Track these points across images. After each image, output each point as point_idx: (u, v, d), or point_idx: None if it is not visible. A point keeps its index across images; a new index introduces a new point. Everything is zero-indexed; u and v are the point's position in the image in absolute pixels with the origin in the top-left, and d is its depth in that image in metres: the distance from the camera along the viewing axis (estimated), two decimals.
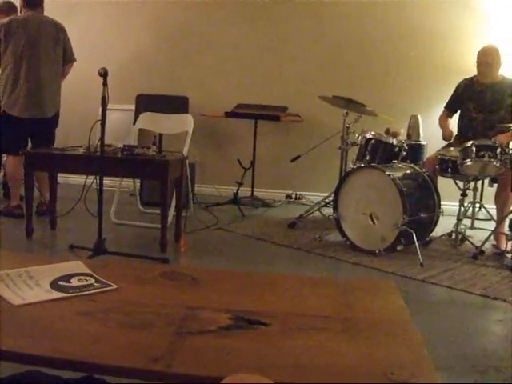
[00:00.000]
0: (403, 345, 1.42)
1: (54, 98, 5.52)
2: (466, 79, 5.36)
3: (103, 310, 1.56)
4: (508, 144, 4.84)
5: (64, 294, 1.64)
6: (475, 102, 5.18)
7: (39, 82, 5.35)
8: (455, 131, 5.43)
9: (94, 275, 1.80)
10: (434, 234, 4.96)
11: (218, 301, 1.67)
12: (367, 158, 5.09)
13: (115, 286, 1.72)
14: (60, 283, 1.72)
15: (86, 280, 1.77)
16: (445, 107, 5.54)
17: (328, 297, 1.75)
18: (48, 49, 5.38)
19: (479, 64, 5.17)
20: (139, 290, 1.75)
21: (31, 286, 1.67)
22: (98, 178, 4.11)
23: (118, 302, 1.62)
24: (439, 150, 5.07)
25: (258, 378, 1.00)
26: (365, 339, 1.45)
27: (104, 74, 3.90)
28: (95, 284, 1.74)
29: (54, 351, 1.33)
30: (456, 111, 5.45)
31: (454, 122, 5.51)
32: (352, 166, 5.17)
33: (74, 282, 1.75)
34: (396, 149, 5.11)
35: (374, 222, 4.67)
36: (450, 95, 5.52)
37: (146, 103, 6.61)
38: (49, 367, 1.38)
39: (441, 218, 4.84)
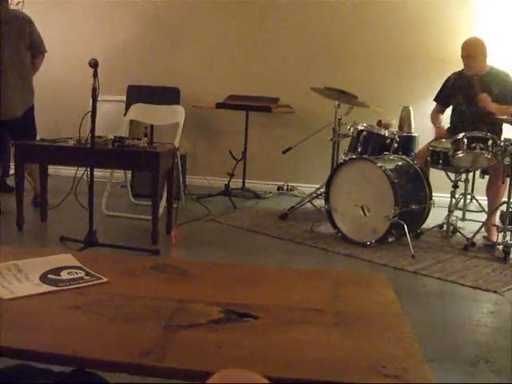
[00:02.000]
0: (394, 338, 1.42)
1: (21, 97, 5.29)
2: (454, 73, 5.35)
3: (93, 303, 1.56)
4: (498, 135, 4.84)
5: (54, 288, 1.63)
6: (465, 94, 5.18)
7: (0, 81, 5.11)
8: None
9: (84, 268, 1.79)
10: (425, 225, 4.96)
11: (209, 294, 1.66)
12: (359, 149, 5.09)
13: (105, 279, 1.72)
14: (50, 276, 1.71)
15: (76, 273, 1.76)
16: (434, 100, 5.52)
17: (319, 290, 1.75)
18: (11, 44, 5.16)
19: (463, 57, 5.17)
20: (130, 283, 1.75)
21: (20, 280, 1.66)
22: (88, 169, 4.09)
23: (108, 296, 1.61)
24: (431, 142, 5.07)
25: (247, 373, 1.00)
26: (356, 333, 1.45)
27: (94, 64, 3.88)
28: (85, 277, 1.73)
29: (44, 345, 1.32)
30: (447, 106, 5.44)
31: (446, 117, 5.49)
32: (344, 157, 5.16)
33: (64, 275, 1.74)
34: (388, 140, 5.11)
35: (365, 214, 4.67)
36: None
37: (137, 94, 6.58)
38: (38, 362, 1.37)
39: (432, 209, 4.85)
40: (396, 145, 5.14)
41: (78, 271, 1.77)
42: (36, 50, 5.40)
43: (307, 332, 1.44)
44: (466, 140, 4.57)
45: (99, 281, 1.71)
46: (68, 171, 5.59)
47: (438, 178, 5.25)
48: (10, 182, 5.67)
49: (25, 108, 5.34)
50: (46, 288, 1.63)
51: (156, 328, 1.41)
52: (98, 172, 4.33)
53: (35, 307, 1.52)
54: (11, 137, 5.38)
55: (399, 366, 1.27)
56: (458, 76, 5.29)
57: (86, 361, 1.29)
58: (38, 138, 5.32)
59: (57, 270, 1.76)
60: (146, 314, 1.49)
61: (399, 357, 1.32)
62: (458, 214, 5.39)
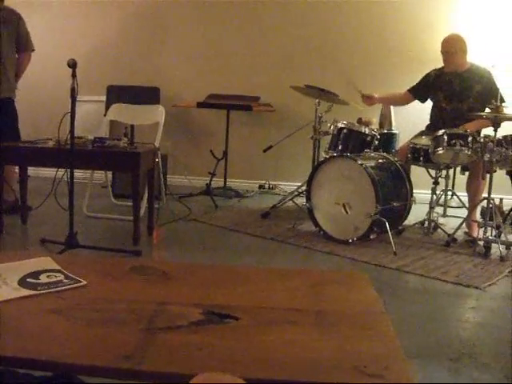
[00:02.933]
0: (376, 337, 1.42)
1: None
2: (436, 69, 5.36)
3: (72, 307, 1.54)
4: (478, 132, 4.87)
5: (33, 292, 1.62)
6: (445, 91, 5.19)
7: None
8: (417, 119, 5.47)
9: (64, 271, 1.78)
10: (406, 222, 4.97)
11: (189, 295, 1.65)
12: (339, 147, 5.09)
13: (84, 282, 1.70)
14: (28, 280, 1.70)
15: (55, 276, 1.74)
16: (408, 90, 5.52)
17: (300, 290, 1.75)
18: (3, 35, 5.11)
19: (442, 53, 5.18)
20: (109, 285, 1.73)
21: None
22: (68, 171, 4.05)
23: (87, 299, 1.60)
24: (411, 139, 5.09)
25: (227, 375, 0.99)
26: (337, 332, 1.45)
27: (73, 65, 3.84)
28: (64, 280, 1.72)
29: (23, 351, 1.31)
30: (424, 99, 5.45)
31: (424, 110, 5.51)
32: (324, 155, 5.17)
33: (43, 278, 1.73)
34: (368, 138, 5.12)
35: (346, 212, 4.68)
36: None
37: (117, 94, 6.53)
38: (17, 367, 1.36)
39: (413, 206, 4.86)
40: (377, 142, 5.15)
41: (57, 274, 1.76)
42: (21, 45, 5.34)
43: (288, 332, 1.43)
44: (446, 137, 4.60)
45: (78, 284, 1.69)
46: (48, 172, 5.54)
47: (419, 175, 5.27)
48: None
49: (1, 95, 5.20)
50: (24, 292, 1.61)
51: (136, 331, 1.40)
52: (78, 173, 4.31)
53: (13, 312, 1.51)
54: None
55: (381, 366, 1.27)
56: (438, 73, 5.30)
57: (65, 366, 1.28)
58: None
59: (36, 274, 1.75)
60: (126, 317, 1.48)
61: (381, 356, 1.32)
62: (439, 210, 5.42)
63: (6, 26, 5.18)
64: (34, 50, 5.46)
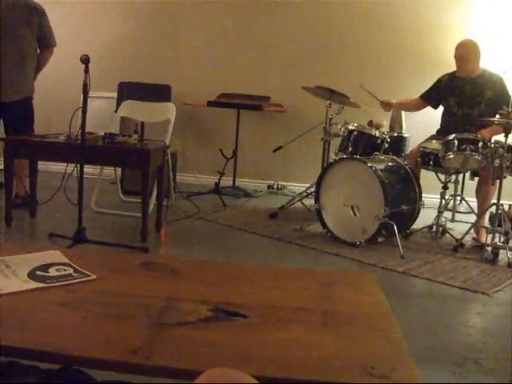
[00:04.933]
0: (383, 338, 1.42)
1: (19, 82, 5.25)
2: (448, 74, 5.36)
3: (81, 300, 1.55)
4: (491, 138, 4.86)
5: (42, 284, 1.62)
6: (456, 96, 5.18)
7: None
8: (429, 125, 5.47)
9: (73, 265, 1.78)
10: (414, 226, 4.97)
11: (198, 292, 1.66)
12: (349, 149, 5.08)
13: (94, 276, 1.71)
14: (38, 273, 1.70)
15: (65, 270, 1.75)
16: (420, 96, 5.54)
17: (308, 289, 1.75)
18: (15, 30, 5.12)
19: (456, 58, 5.18)
20: (118, 280, 1.74)
21: (8, 276, 1.65)
22: (78, 166, 4.07)
23: (96, 293, 1.61)
24: (421, 143, 5.08)
25: (235, 372, 0.99)
26: (345, 332, 1.45)
27: (86, 60, 3.85)
28: (74, 274, 1.72)
29: (31, 342, 1.31)
30: (436, 104, 5.45)
31: (435, 114, 5.51)
32: (334, 157, 5.16)
33: (52, 271, 1.73)
34: (378, 141, 5.11)
35: (355, 214, 4.67)
36: None
37: (129, 91, 6.55)
38: (25, 359, 1.36)
39: (422, 210, 4.85)
40: (387, 145, 5.14)
41: (66, 268, 1.76)
42: (43, 42, 5.36)
43: (295, 331, 1.43)
44: (456, 141, 4.59)
45: (87, 278, 1.70)
46: (57, 167, 5.57)
47: (428, 179, 5.26)
48: None
49: (20, 96, 5.26)
50: (33, 285, 1.62)
51: (144, 326, 1.41)
52: (87, 168, 4.32)
53: (23, 304, 1.51)
54: (5, 125, 5.31)
55: (387, 366, 1.27)
56: (450, 77, 5.29)
57: (73, 358, 1.28)
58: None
59: (45, 267, 1.75)
60: (134, 312, 1.49)
61: (388, 357, 1.32)
62: (448, 215, 5.41)
63: (27, 23, 5.20)
64: (55, 45, 5.46)
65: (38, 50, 5.39)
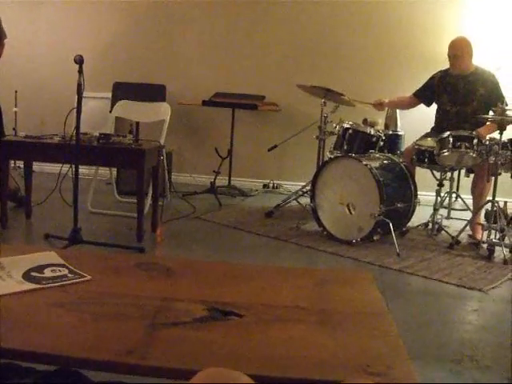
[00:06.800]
0: (379, 336, 1.42)
1: None
2: (441, 71, 5.36)
3: (76, 301, 1.54)
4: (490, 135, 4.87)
5: (37, 285, 1.62)
6: (449, 94, 5.19)
7: None
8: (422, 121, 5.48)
9: (68, 266, 1.78)
10: (410, 223, 4.97)
11: (193, 292, 1.65)
12: (344, 147, 5.09)
13: (89, 277, 1.70)
14: (33, 274, 1.70)
15: (60, 271, 1.75)
16: (413, 94, 5.54)
17: (304, 288, 1.75)
18: None
19: (449, 56, 5.18)
20: (113, 280, 1.74)
21: (3, 277, 1.65)
22: (73, 166, 4.06)
23: (91, 293, 1.60)
24: (416, 141, 5.08)
25: (231, 371, 0.99)
26: (341, 331, 1.45)
27: (80, 61, 3.85)
28: (69, 275, 1.72)
29: (26, 344, 1.31)
30: (429, 102, 5.45)
31: (430, 111, 5.51)
32: (329, 155, 5.16)
33: (47, 272, 1.73)
34: (373, 139, 5.11)
35: (350, 212, 4.68)
36: None
37: (123, 91, 6.54)
38: (21, 360, 1.36)
39: (417, 207, 4.86)
40: (382, 143, 5.15)
41: (61, 269, 1.76)
42: None
43: (291, 330, 1.43)
44: (451, 139, 4.59)
45: (82, 278, 1.70)
46: (52, 168, 5.56)
47: (424, 177, 5.27)
48: None
49: None
50: (28, 286, 1.61)
51: (140, 326, 1.40)
52: (82, 169, 4.31)
53: (18, 305, 1.51)
54: None
55: (384, 364, 1.27)
56: (443, 75, 5.30)
57: (68, 359, 1.28)
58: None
59: (40, 268, 1.75)
60: (130, 312, 1.48)
61: (384, 354, 1.32)
62: (443, 212, 5.41)
63: None
64: (6, 37, 5.09)
65: None
